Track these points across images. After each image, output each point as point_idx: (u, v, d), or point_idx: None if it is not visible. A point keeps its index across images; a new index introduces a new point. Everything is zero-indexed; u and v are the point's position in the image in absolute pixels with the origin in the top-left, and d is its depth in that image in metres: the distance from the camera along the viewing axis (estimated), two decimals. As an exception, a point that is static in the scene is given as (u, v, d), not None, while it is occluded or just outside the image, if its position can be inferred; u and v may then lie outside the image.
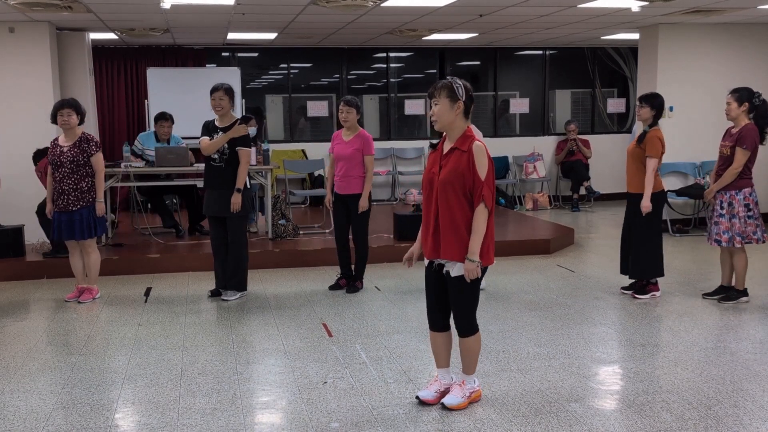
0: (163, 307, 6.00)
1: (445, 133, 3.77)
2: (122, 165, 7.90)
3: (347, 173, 6.27)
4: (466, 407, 3.84)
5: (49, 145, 6.07)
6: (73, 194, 5.91)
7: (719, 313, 5.72)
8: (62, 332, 5.41)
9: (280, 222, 8.16)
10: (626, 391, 4.11)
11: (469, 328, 3.83)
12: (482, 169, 3.62)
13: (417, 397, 3.95)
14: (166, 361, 4.65)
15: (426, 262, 3.85)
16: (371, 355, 4.76)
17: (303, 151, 11.89)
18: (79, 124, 5.99)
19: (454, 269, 3.70)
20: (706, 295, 6.15)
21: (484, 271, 3.76)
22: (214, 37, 10.34)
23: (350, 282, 6.52)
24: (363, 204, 6.26)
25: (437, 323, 3.90)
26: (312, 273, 7.27)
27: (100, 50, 10.57)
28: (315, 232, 8.63)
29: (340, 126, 6.45)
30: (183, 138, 8.75)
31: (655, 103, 5.98)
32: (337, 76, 12.52)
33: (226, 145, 5.98)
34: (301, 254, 7.69)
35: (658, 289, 6.21)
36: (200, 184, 6.90)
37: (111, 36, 9.65)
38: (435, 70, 12.84)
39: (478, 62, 13.25)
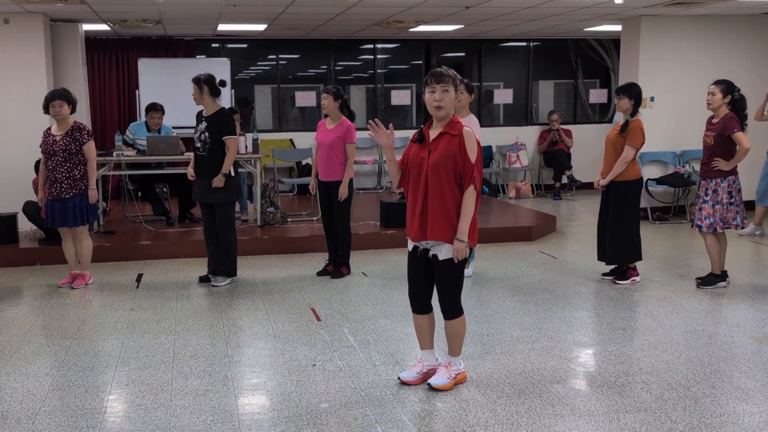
0: (154, 293, 6.11)
1: (429, 121, 3.87)
2: (114, 154, 7.97)
3: (329, 160, 6.40)
4: (452, 388, 3.98)
5: (42, 135, 6.13)
6: (66, 182, 5.99)
7: (698, 297, 5.90)
8: (56, 317, 5.51)
9: (268, 210, 8.26)
10: (607, 372, 4.26)
11: (454, 310, 3.96)
12: (472, 153, 3.74)
13: (399, 378, 4.07)
14: (159, 344, 4.77)
15: (410, 246, 3.97)
16: (359, 338, 4.89)
17: (291, 140, 11.98)
18: (71, 114, 6.07)
19: (442, 252, 3.83)
20: (698, 279, 6.27)
21: (471, 252, 3.89)
22: (204, 29, 10.39)
23: (336, 268, 6.64)
24: (342, 191, 6.38)
25: (420, 306, 4.02)
26: (300, 259, 7.39)
27: (92, 41, 10.60)
28: (303, 220, 8.74)
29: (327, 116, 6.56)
30: (173, 128, 8.83)
31: (633, 92, 6.12)
32: (325, 67, 12.60)
33: (207, 134, 6.09)
34: (289, 241, 7.80)
35: (638, 274, 6.38)
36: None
37: (103, 27, 9.68)
38: (421, 61, 12.94)
39: (463, 53, 13.35)
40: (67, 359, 4.52)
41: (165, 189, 9.29)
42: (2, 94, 7.82)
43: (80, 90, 8.90)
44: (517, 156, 12.43)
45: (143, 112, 8.93)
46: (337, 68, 12.73)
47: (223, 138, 6.09)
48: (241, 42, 12.16)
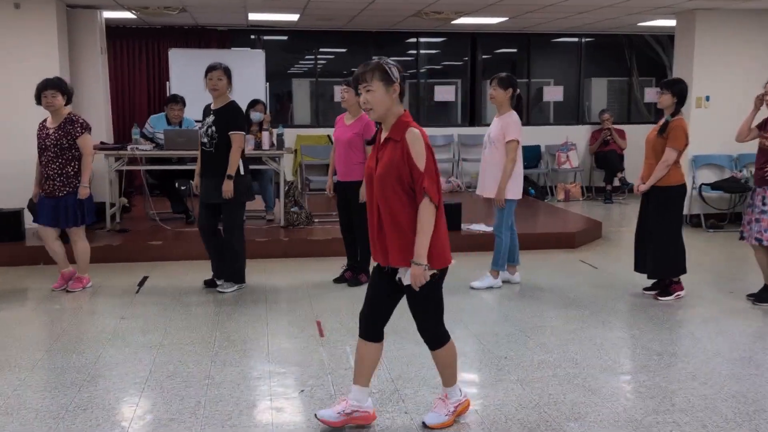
0: (152, 299, 5.73)
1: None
2: (129, 148, 7.68)
3: (347, 159, 5.90)
4: (453, 424, 3.45)
5: (37, 128, 5.77)
6: (58, 179, 5.62)
7: (749, 318, 5.22)
8: (39, 325, 5.17)
9: (292, 210, 7.85)
10: (634, 409, 3.67)
11: (436, 338, 3.39)
12: (420, 159, 3.10)
13: (316, 415, 3.41)
14: (137, 360, 4.34)
15: (374, 262, 3.42)
16: (359, 359, 4.39)
17: (329, 136, 11.55)
18: (66, 104, 5.68)
19: (406, 276, 3.26)
20: (751, 297, 5.64)
21: (443, 272, 3.28)
22: (236, 18, 10.04)
23: (354, 275, 6.16)
24: (363, 193, 5.89)
25: (367, 330, 3.38)
26: (320, 264, 6.93)
27: (120, 30, 10.40)
28: (331, 221, 8.27)
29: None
30: (198, 121, 8.48)
31: (677, 89, 5.46)
32: (365, 60, 12.12)
33: (214, 128, 5.65)
34: (310, 244, 7.36)
35: (682, 289, 5.71)
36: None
37: (129, 15, 9.43)
38: (467, 58, 12.35)
39: (511, 49, 12.71)
40: (30, 377, 4.11)
41: (184, 187, 8.93)
42: (11, 84, 7.52)
43: (99, 80, 8.63)
44: (567, 156, 11.74)
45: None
46: (377, 62, 12.26)
47: (229, 133, 5.64)
48: (279, 34, 11.79)
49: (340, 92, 5.89)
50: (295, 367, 4.27)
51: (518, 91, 5.95)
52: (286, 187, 7.89)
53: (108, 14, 9.12)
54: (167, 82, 10.18)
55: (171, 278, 6.36)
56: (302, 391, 3.91)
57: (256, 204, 8.58)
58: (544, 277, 6.47)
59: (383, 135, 3.24)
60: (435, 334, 3.39)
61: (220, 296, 5.79)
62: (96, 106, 8.55)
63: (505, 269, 6.13)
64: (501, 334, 4.86)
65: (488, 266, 6.09)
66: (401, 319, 5.12)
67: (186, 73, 10.01)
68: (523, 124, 5.99)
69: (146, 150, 7.70)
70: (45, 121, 5.74)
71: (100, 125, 8.56)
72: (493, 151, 5.86)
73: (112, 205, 7.90)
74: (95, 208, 5.96)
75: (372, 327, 3.40)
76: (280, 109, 12.10)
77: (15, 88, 7.42)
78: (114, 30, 10.10)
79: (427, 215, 3.11)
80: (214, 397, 3.79)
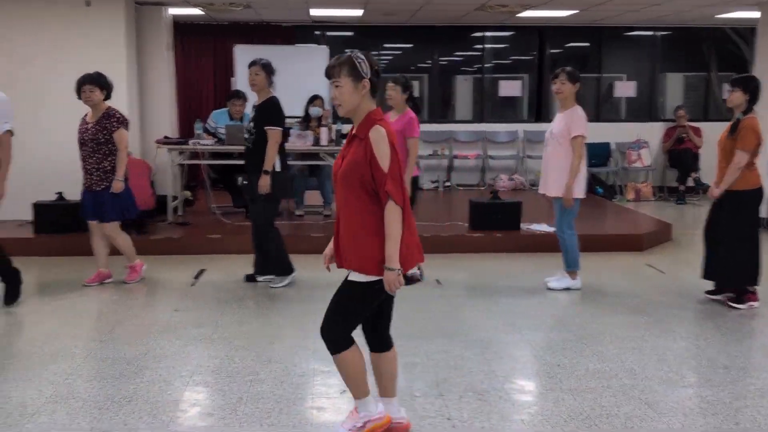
0: (207, 292, 5.78)
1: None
2: (191, 142, 7.80)
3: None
4: None
5: (79, 122, 5.77)
6: (96, 174, 5.66)
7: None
8: (95, 316, 5.29)
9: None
10: (693, 426, 3.45)
11: (335, 342, 3.08)
12: (383, 159, 2.90)
13: None
14: (185, 353, 4.38)
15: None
16: (406, 360, 4.28)
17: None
18: (105, 100, 5.68)
19: (352, 273, 3.06)
20: None
21: (379, 284, 2.99)
22: (299, 14, 10.08)
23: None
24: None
25: (370, 340, 3.26)
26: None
27: (187, 27, 10.59)
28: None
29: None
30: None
31: (750, 86, 5.12)
32: (430, 55, 12.01)
33: (252, 124, 5.68)
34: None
35: (756, 299, 5.38)
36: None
37: (196, 12, 9.58)
38: (535, 52, 12.06)
39: (581, 43, 12.33)
40: (81, 366, 4.20)
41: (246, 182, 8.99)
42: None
43: (165, 76, 8.79)
44: (638, 154, 11.32)
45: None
46: (442, 57, 12.11)
47: (265, 128, 5.63)
48: (344, 30, 11.78)
49: (387, 89, 5.79)
50: (340, 366, 4.21)
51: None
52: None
53: (175, 11, 9.30)
54: (232, 78, 10.30)
55: (227, 272, 6.41)
56: (344, 391, 3.83)
57: (314, 199, 8.62)
58: (607, 281, 6.22)
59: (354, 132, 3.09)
60: (337, 338, 3.08)
61: (272, 291, 5.79)
62: (161, 102, 8.73)
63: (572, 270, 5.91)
64: (555, 341, 4.67)
65: (547, 268, 5.90)
66: (450, 321, 5.04)
67: (251, 68, 10.12)
68: (592, 120, 5.75)
69: (207, 145, 7.80)
70: (86, 116, 5.76)
71: (165, 120, 8.74)
72: (556, 147, 5.66)
73: (174, 198, 8.04)
74: (133, 202, 5.94)
75: (372, 335, 3.26)
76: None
77: None
78: (182, 27, 10.29)
79: (392, 218, 2.91)
80: (256, 394, 3.77)
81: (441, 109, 12.29)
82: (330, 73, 2.99)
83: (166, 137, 8.22)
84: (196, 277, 6.27)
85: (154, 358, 4.30)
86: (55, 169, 7.56)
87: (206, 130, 8.21)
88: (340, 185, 3.01)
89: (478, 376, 4.05)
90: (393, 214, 2.91)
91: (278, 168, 5.70)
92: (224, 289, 5.83)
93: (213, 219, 7.95)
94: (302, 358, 4.33)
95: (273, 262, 5.89)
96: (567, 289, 5.84)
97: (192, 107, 10.82)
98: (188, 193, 8.82)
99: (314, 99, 8.18)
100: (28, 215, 7.40)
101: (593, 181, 11.04)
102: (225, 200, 8.61)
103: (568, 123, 5.59)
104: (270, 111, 5.66)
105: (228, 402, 3.68)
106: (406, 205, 2.98)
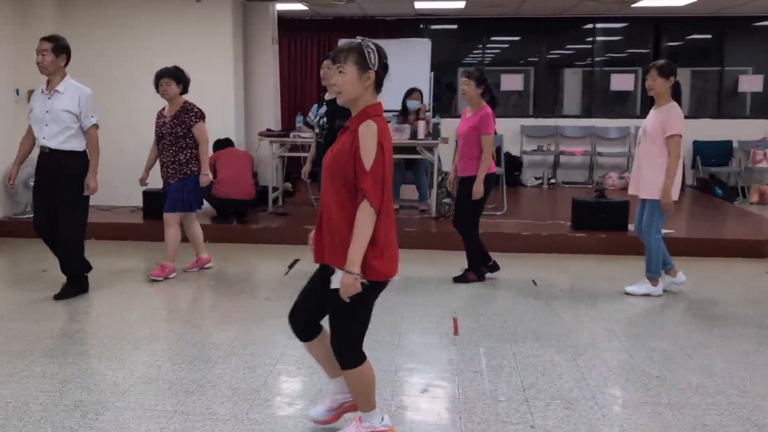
0: (300, 282, 5.75)
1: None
2: (291, 135, 7.91)
3: (463, 153, 5.68)
4: None
5: (156, 116, 5.83)
6: (171, 167, 5.67)
7: None
8: (189, 300, 5.42)
9: (444, 201, 7.68)
10: (809, 454, 3.12)
11: (347, 358, 2.96)
12: (367, 155, 2.73)
13: (310, 416, 3.30)
14: (271, 342, 4.40)
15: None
16: (493, 362, 4.14)
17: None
18: (181, 94, 5.70)
19: (335, 279, 2.87)
20: None
21: (376, 286, 2.86)
22: (403, 7, 10.02)
23: (469, 271, 5.91)
24: (476, 189, 5.58)
25: (297, 329, 3.11)
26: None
27: (292, 22, 10.77)
28: (485, 214, 7.99)
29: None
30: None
31: None
32: (537, 48, 11.66)
33: (325, 119, 5.67)
34: (459, 237, 7.11)
35: None
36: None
37: (301, 7, 9.71)
38: (651, 45, 11.46)
39: (702, 35, 11.60)
40: (171, 348, 4.30)
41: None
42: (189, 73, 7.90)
43: (269, 70, 8.96)
44: (765, 154, 10.54)
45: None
46: (550, 50, 11.72)
47: (337, 122, 5.59)
48: (449, 22, 11.63)
49: (461, 84, 5.63)
50: (423, 364, 4.11)
51: (677, 79, 5.33)
52: (440, 178, 7.73)
53: (281, 6, 9.46)
54: (335, 71, 10.38)
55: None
56: (426, 390, 3.74)
57: (410, 193, 8.55)
58: (720, 289, 5.79)
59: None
60: (348, 353, 2.95)
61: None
62: (266, 95, 8.91)
63: (662, 275, 5.56)
64: (656, 350, 4.37)
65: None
66: (543, 324, 4.82)
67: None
68: (713, 117, 5.34)
69: (307, 138, 7.88)
70: (163, 109, 5.80)
71: (268, 113, 8.91)
72: (649, 146, 5.31)
73: (275, 189, 8.18)
74: (202, 195, 5.99)
75: (296, 322, 3.11)
76: (445, 99, 11.95)
77: (194, 79, 7.70)
78: (286, 22, 10.47)
79: (363, 219, 2.73)
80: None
81: (548, 103, 11.92)
82: (336, 58, 2.86)
83: (268, 130, 8.38)
84: (291, 266, 6.34)
85: (241, 345, 4.35)
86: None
87: (307, 124, 8.30)
88: (325, 177, 2.86)
89: (568, 383, 3.84)
90: (364, 214, 2.73)
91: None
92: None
93: (311, 210, 8.03)
94: (385, 352, 4.25)
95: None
96: (647, 295, 5.49)
97: (295, 101, 11.01)
98: (289, 185, 8.97)
99: (411, 92, 8.10)
100: (139, 202, 7.73)
101: (712, 182, 10.37)
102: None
103: (663, 121, 5.22)
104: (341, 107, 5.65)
105: (308, 393, 3.67)
106: (389, 211, 2.85)
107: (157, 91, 5.66)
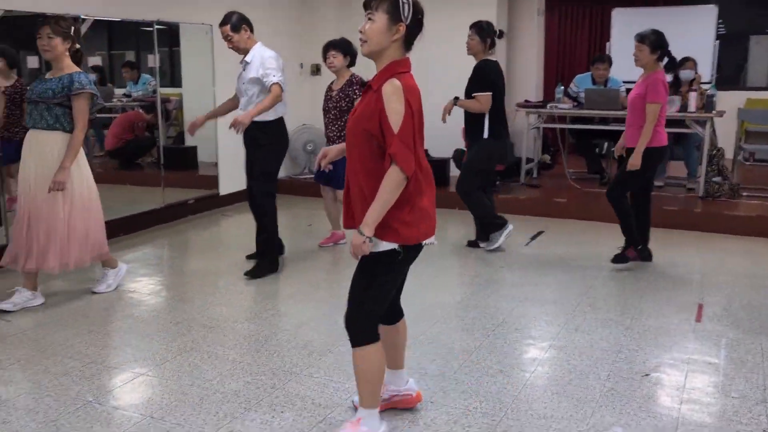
0: (537, 254, 5.72)
1: None
2: (548, 106, 7.74)
3: (629, 122, 5.09)
4: None
5: (326, 89, 5.71)
6: (336, 141, 5.46)
7: None
8: (420, 262, 5.59)
9: (714, 180, 6.97)
10: None
11: (358, 334, 2.70)
12: (395, 118, 2.47)
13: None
14: (495, 308, 4.43)
15: None
16: (734, 355, 3.73)
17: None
18: (348, 66, 5.48)
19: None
20: None
21: (404, 252, 2.62)
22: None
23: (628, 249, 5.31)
24: (632, 161, 4.95)
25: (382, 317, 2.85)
26: (737, 243, 6.05)
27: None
28: (763, 196, 7.12)
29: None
30: (625, 82, 8.08)
31: None
32: None
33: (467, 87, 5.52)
34: (727, 219, 6.42)
35: None
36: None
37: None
38: None
39: None
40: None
41: (600, 147, 8.56)
42: (446, 46, 7.83)
43: (533, 41, 8.80)
44: None
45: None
46: None
47: (473, 94, 5.39)
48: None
49: (635, 49, 4.97)
50: (653, 348, 3.83)
51: None
52: (711, 154, 7.00)
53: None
54: (607, 43, 9.88)
55: (565, 236, 6.27)
56: (647, 375, 3.50)
57: (677, 170, 7.89)
58: None
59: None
60: (359, 327, 2.70)
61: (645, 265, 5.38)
62: (528, 66, 8.81)
63: None
64: None
65: None
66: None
67: (628, 32, 9.53)
68: None
69: (564, 108, 7.66)
70: (332, 83, 5.65)
71: (530, 84, 8.80)
72: None
73: (529, 160, 8.09)
74: None
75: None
76: (732, 71, 10.73)
77: (448, 49, 7.74)
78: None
79: (390, 185, 2.50)
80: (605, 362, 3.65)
81: None
82: (368, 4, 2.60)
83: (526, 101, 8.29)
84: (533, 238, 6.26)
85: (464, 308, 4.45)
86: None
87: (568, 95, 8.06)
88: (349, 141, 2.66)
89: (822, 389, 3.32)
90: (390, 179, 2.50)
91: (485, 134, 5.46)
92: (556, 253, 5.72)
93: (565, 184, 7.81)
94: (613, 331, 4.04)
95: (479, 228, 5.80)
96: None
97: (562, 72, 10.70)
98: (547, 157, 8.80)
99: (685, 61, 7.41)
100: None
101: None
102: (581, 166, 8.39)
103: None
104: (477, 75, 5.44)
105: (519, 363, 3.64)
106: (421, 177, 2.61)
107: (325, 63, 5.55)
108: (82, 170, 4.43)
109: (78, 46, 4.46)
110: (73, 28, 4.33)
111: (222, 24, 4.94)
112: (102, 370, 3.54)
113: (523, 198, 7.24)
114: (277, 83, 4.80)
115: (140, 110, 8.15)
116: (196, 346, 3.85)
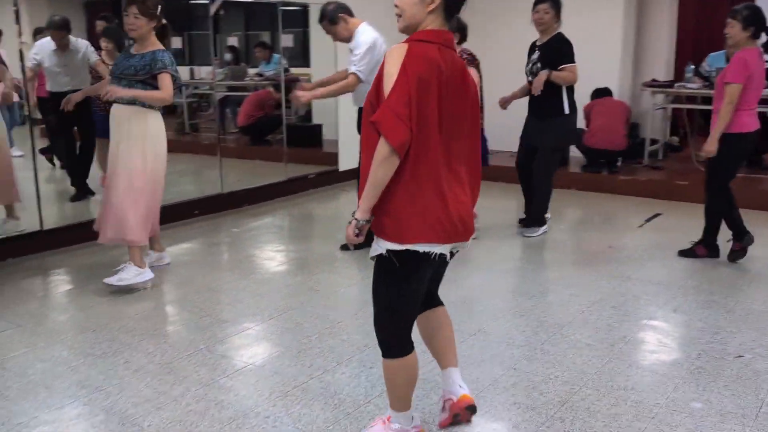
0: (653, 236, 5.56)
1: None
2: (676, 86, 7.45)
3: (715, 107, 4.66)
4: None
5: None
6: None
7: None
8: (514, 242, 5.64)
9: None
10: None
11: (384, 344, 2.50)
12: (387, 80, 2.23)
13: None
14: (596, 286, 4.43)
15: None
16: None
17: None
18: (459, 43, 5.25)
19: (372, 245, 2.43)
20: None
21: (404, 258, 2.33)
22: None
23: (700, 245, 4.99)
24: (707, 147, 4.58)
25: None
26: None
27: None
28: None
29: None
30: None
31: None
32: None
33: (539, 65, 5.24)
34: None
35: None
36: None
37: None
38: None
39: None
40: (502, 279, 4.63)
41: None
42: (577, 22, 7.54)
43: (666, 18, 8.41)
44: None
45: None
46: None
47: (560, 67, 5.15)
48: None
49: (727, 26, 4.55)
50: (753, 331, 3.71)
51: None
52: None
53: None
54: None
55: (683, 220, 6.05)
56: (740, 356, 3.40)
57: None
58: None
59: None
60: (384, 338, 2.49)
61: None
62: (659, 45, 8.44)
63: None
64: None
65: None
66: None
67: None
68: None
69: (693, 88, 7.34)
70: None
71: (660, 63, 8.46)
72: None
73: (654, 141, 7.83)
74: (487, 150, 5.80)
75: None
76: None
77: (582, 26, 7.43)
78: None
79: (377, 160, 2.23)
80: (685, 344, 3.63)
81: None
82: None
83: (653, 80, 7.99)
84: (648, 220, 6.10)
85: (564, 285, 4.47)
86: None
87: (699, 74, 7.69)
88: (363, 119, 2.37)
89: None
90: (378, 153, 2.22)
91: (566, 110, 5.28)
92: (671, 234, 5.55)
93: (690, 167, 7.49)
94: (713, 312, 3.94)
95: (536, 211, 5.62)
96: None
97: (699, 51, 10.15)
98: (675, 139, 8.46)
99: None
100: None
101: None
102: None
103: None
104: (559, 48, 5.22)
105: (610, 338, 3.65)
106: (458, 177, 2.37)
107: None
108: (157, 148, 4.40)
109: (164, 21, 4.44)
110: (159, 7, 4.37)
111: (320, 20, 4.92)
112: (214, 323, 3.92)
113: (644, 180, 7.04)
114: (353, 73, 4.75)
115: (271, 89, 8.66)
116: (301, 306, 4.15)
